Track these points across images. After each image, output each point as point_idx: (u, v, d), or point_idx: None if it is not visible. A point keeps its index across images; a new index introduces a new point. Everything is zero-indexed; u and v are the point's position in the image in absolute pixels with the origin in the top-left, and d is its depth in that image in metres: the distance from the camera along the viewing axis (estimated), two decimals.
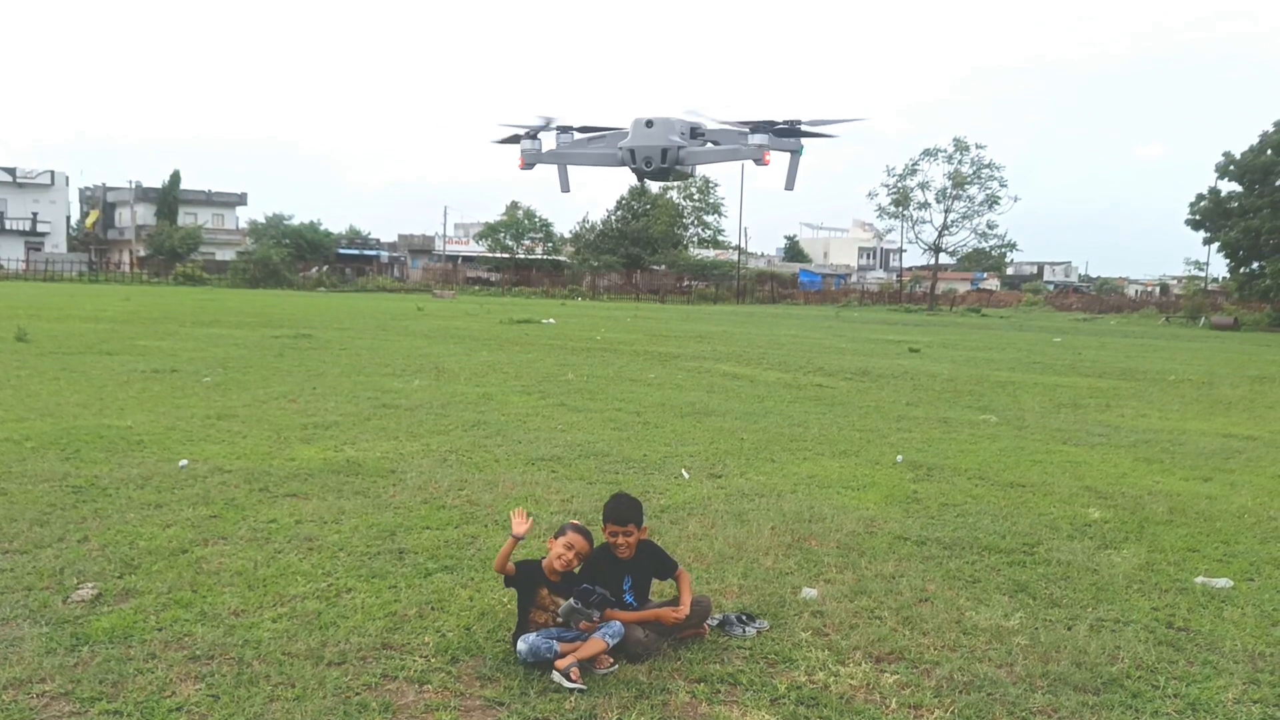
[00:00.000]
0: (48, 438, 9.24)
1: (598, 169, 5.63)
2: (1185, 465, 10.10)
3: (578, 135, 5.62)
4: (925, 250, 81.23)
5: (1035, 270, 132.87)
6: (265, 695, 4.06)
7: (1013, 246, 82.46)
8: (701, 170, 6.59)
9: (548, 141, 5.56)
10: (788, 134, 5.26)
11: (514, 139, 5.54)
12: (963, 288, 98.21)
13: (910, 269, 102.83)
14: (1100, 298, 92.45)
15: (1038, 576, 6.05)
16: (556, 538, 4.75)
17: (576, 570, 4.78)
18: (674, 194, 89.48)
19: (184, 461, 8.40)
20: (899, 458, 9.87)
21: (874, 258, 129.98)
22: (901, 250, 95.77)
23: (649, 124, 5.17)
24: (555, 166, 5.61)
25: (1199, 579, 6.06)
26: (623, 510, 4.88)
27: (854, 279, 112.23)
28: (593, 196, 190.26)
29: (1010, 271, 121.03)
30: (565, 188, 5.72)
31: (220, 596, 5.19)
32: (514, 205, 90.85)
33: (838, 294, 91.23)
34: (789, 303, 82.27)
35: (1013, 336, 36.41)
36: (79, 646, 4.47)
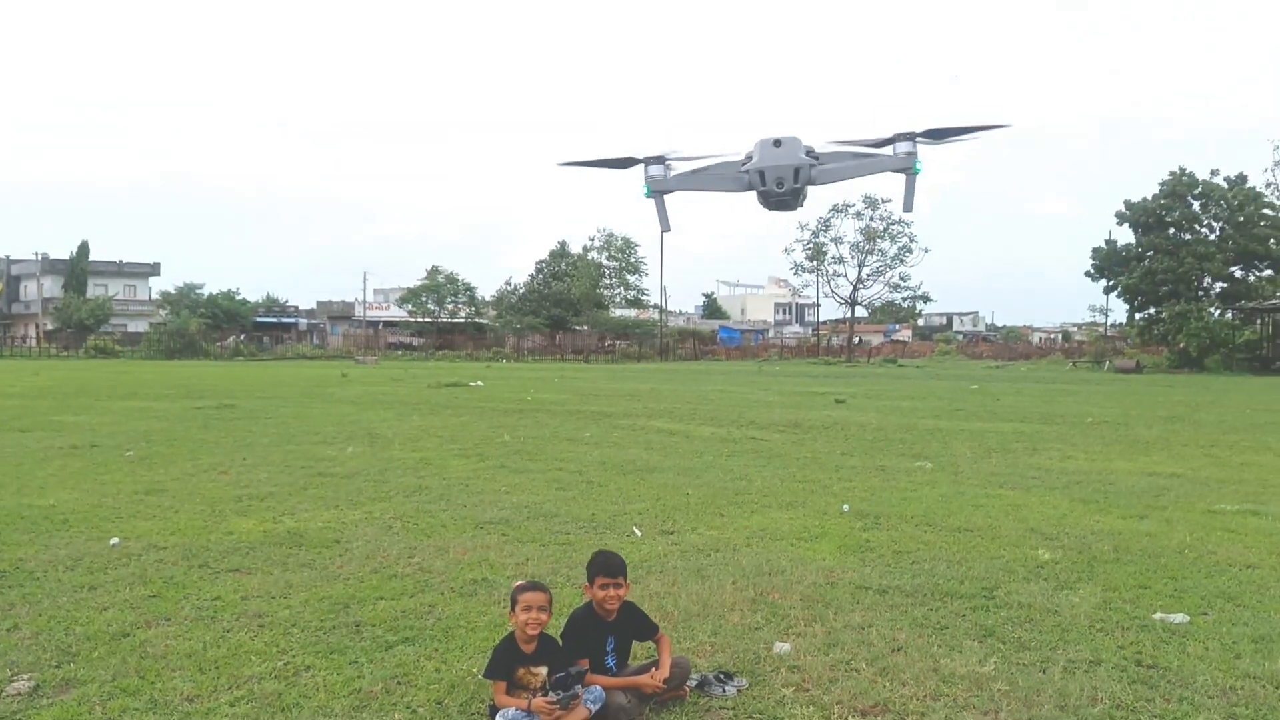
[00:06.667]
0: None
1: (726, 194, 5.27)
2: (1120, 504, 10.29)
3: (681, 167, 5.27)
4: (841, 304, 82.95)
5: (944, 321, 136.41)
6: None
7: (926, 298, 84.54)
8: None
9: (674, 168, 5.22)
10: (903, 142, 4.91)
11: (621, 163, 5.19)
12: (876, 339, 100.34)
13: (825, 322, 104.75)
14: (1009, 345, 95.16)
15: (1002, 620, 6.06)
16: (513, 610, 4.56)
17: (557, 637, 4.64)
18: (595, 254, 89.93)
19: (115, 539, 8.03)
20: (845, 507, 9.89)
21: (789, 313, 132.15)
22: (817, 305, 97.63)
23: (777, 143, 4.88)
24: (654, 205, 5.23)
25: (1157, 615, 6.12)
26: (613, 562, 4.80)
27: (771, 334, 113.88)
28: (514, 262, 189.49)
29: (921, 323, 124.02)
30: (666, 226, 5.38)
31: (170, 681, 4.92)
32: (435, 269, 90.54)
33: (757, 349, 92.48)
34: (711, 359, 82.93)
35: (931, 385, 37.11)
36: None
